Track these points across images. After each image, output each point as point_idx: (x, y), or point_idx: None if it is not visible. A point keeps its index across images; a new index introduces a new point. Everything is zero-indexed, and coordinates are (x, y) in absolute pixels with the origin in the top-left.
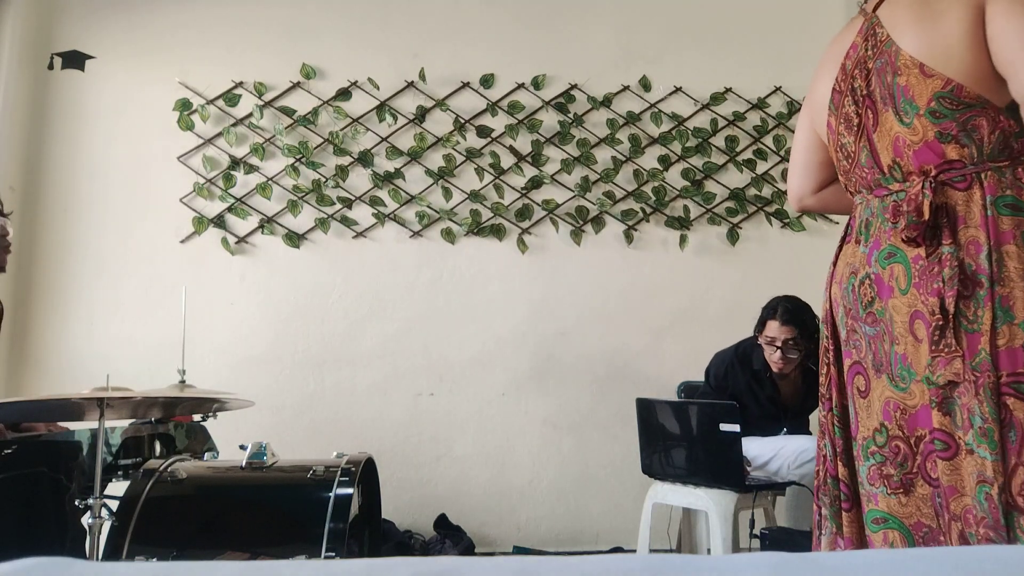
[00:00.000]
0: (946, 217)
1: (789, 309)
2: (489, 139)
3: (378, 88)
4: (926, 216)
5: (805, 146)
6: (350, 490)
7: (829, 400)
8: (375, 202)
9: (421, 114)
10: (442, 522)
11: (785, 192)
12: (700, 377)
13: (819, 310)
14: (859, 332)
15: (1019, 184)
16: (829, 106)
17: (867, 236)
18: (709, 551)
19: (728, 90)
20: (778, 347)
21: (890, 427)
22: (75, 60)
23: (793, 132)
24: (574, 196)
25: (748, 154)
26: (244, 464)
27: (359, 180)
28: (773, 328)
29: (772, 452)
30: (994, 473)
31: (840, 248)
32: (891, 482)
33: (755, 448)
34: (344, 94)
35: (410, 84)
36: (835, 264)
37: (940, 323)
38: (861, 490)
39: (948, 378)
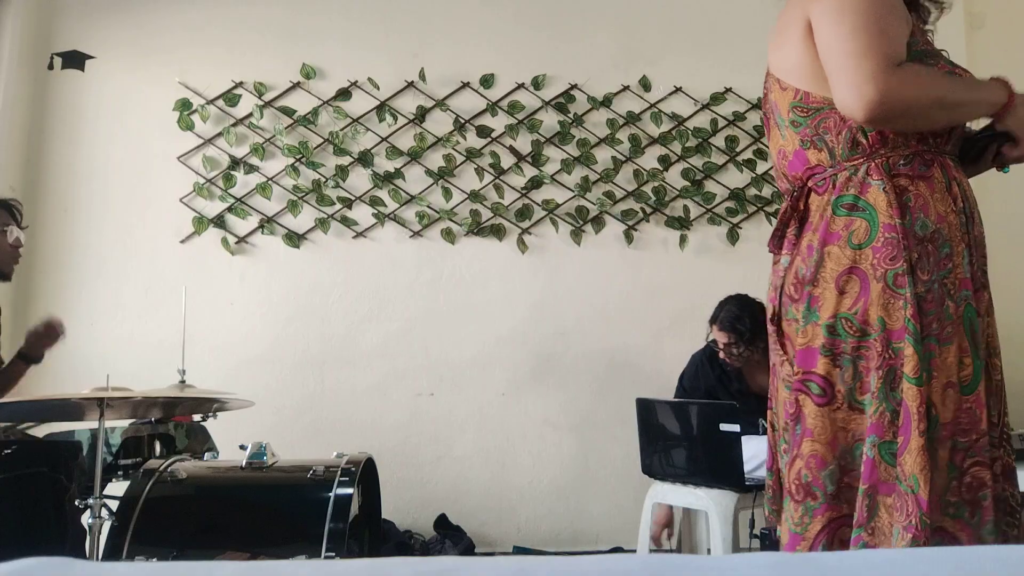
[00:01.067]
0: (799, 224)
1: (728, 316)
2: (489, 139)
3: (378, 88)
4: (779, 216)
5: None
6: (350, 490)
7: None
8: (375, 202)
9: (421, 114)
10: (442, 522)
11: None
12: None
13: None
14: None
15: (867, 181)
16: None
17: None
18: (709, 551)
19: (728, 90)
20: (720, 349)
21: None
22: (75, 60)
23: None
24: (574, 196)
25: (748, 154)
26: (244, 464)
27: (359, 180)
28: (715, 331)
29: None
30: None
31: None
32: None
33: (753, 446)
34: (344, 94)
35: (410, 84)
36: None
37: (774, 331)
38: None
39: (785, 380)
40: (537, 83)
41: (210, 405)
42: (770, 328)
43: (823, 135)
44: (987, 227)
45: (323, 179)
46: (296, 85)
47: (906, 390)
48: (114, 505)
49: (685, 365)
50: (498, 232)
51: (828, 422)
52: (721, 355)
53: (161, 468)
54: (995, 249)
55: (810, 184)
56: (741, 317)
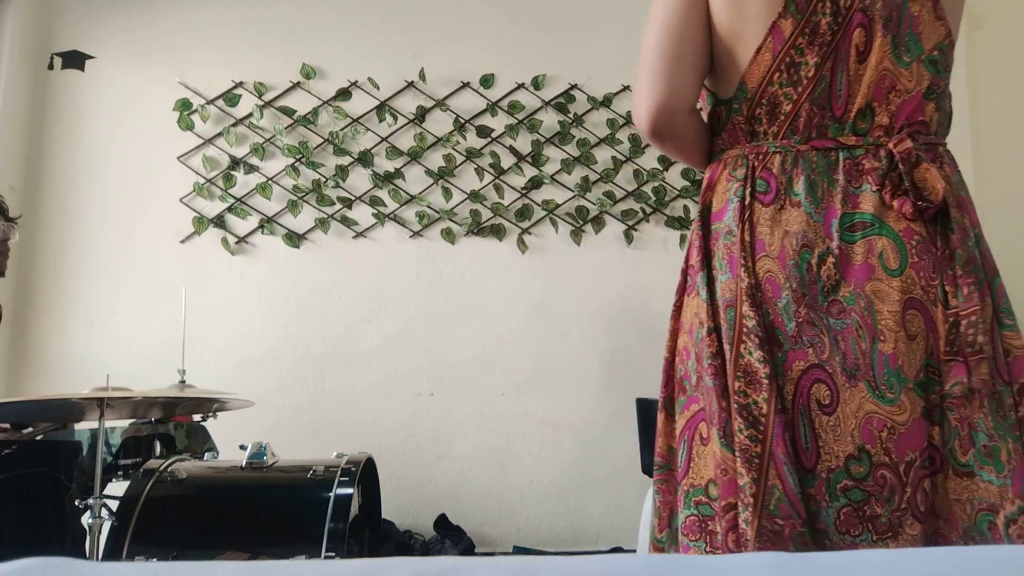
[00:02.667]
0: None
1: None
2: (489, 139)
3: (378, 88)
4: (940, 189)
5: (693, 39)
6: (350, 490)
7: (783, 414)
8: (375, 202)
9: (421, 114)
10: (442, 522)
11: None
12: None
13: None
14: (819, 326)
15: (949, 169)
16: (788, 5)
17: (814, 197)
18: None
19: None
20: None
21: (873, 452)
22: (75, 60)
23: None
24: (574, 196)
25: None
26: (244, 464)
27: (359, 180)
28: None
29: None
30: (1001, 499)
31: (748, 209)
32: (878, 525)
33: None
34: (344, 94)
35: (410, 84)
36: (753, 229)
37: (972, 316)
38: (823, 541)
39: (974, 386)
40: (537, 83)
41: (210, 405)
42: (956, 314)
43: (946, 98)
44: (986, 226)
45: (323, 179)
46: (296, 85)
47: None
48: (114, 505)
49: None
50: (498, 232)
51: None
52: None
53: (161, 468)
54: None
55: (917, 145)
56: None
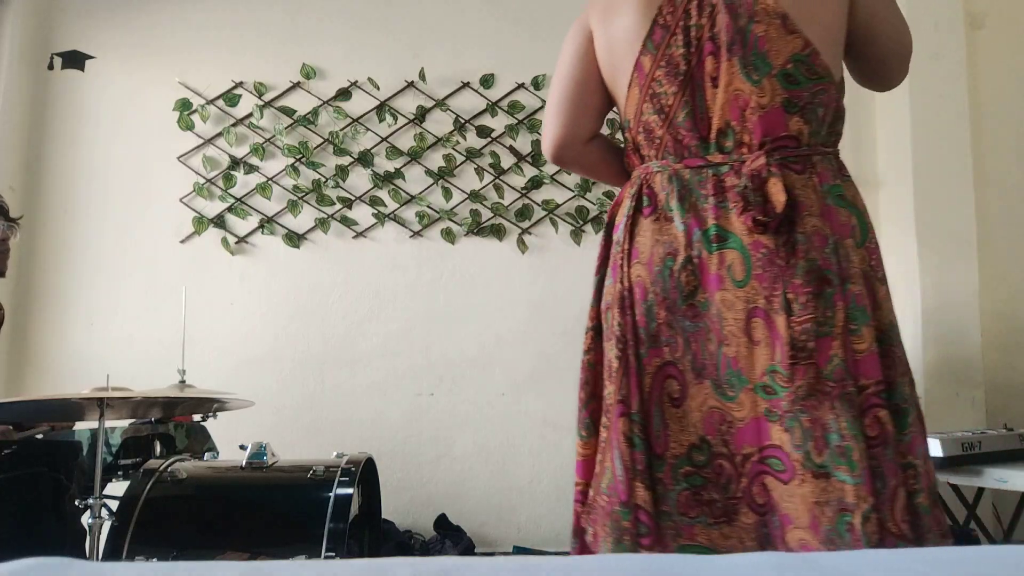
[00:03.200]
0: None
1: None
2: (489, 139)
3: (378, 88)
4: (781, 202)
5: (581, 82)
6: (350, 490)
7: (624, 404)
8: (375, 202)
9: (421, 114)
10: (442, 522)
11: None
12: None
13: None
14: (676, 327)
15: (842, 175)
16: (646, 43)
17: (683, 211)
18: None
19: None
20: None
21: (713, 442)
22: (75, 60)
23: None
24: (574, 196)
25: None
26: (244, 464)
27: (359, 180)
28: None
29: None
30: (856, 499)
31: (632, 222)
32: (714, 509)
33: None
34: (344, 94)
35: (410, 84)
36: (632, 240)
37: (805, 324)
38: (667, 521)
39: (808, 390)
40: (537, 83)
41: (210, 405)
42: (801, 321)
43: (815, 107)
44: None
45: (323, 179)
46: (296, 85)
47: None
48: (114, 505)
49: None
50: (498, 232)
51: None
52: None
53: (161, 468)
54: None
55: (779, 155)
56: None
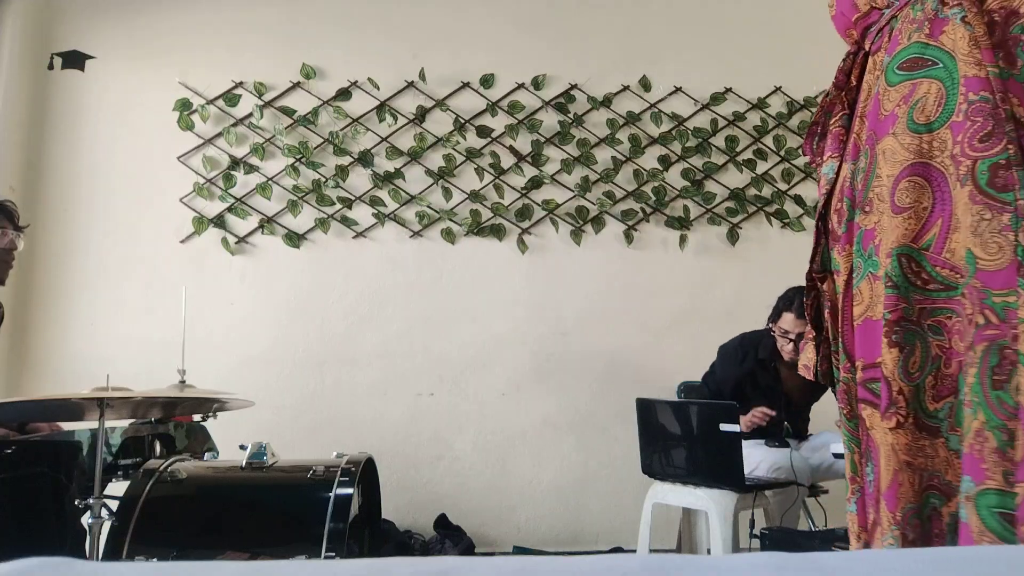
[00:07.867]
0: (848, 110)
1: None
2: (489, 139)
3: (378, 88)
4: None
5: None
6: (350, 490)
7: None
8: (375, 202)
9: (421, 114)
10: (442, 522)
11: (785, 192)
12: (700, 377)
13: None
14: None
15: (940, 14)
16: None
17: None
18: (709, 551)
19: (728, 90)
20: (791, 340)
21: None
22: (75, 60)
23: (793, 132)
24: (574, 196)
25: (748, 154)
26: (244, 464)
27: (359, 180)
28: (788, 320)
29: (752, 465)
30: None
31: None
32: None
33: (756, 456)
34: (344, 94)
35: (410, 84)
36: None
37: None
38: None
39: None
40: (537, 83)
41: (210, 405)
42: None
43: None
44: None
45: (323, 179)
46: (296, 85)
47: None
48: (114, 505)
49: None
50: (498, 232)
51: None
52: (788, 347)
53: (161, 468)
54: None
55: (865, 43)
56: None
